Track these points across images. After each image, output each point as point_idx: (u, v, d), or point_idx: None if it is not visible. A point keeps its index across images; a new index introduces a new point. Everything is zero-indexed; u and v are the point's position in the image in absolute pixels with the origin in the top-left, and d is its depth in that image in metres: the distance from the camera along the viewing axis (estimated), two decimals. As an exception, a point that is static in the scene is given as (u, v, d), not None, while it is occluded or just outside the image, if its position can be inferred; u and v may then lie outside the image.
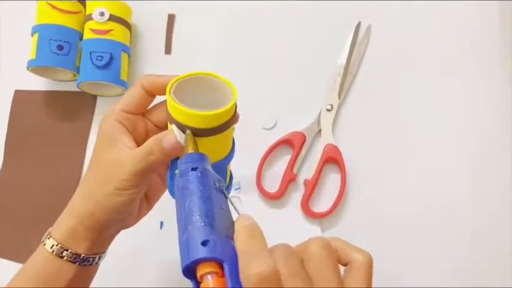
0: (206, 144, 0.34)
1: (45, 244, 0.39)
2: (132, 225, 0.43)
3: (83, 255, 0.38)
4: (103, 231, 0.39)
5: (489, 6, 0.59)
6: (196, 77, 0.36)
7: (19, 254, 0.56)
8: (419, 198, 0.54)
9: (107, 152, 0.38)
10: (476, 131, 0.56)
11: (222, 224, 0.27)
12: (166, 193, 0.55)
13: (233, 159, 0.40)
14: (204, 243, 0.25)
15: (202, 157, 0.31)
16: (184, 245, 0.25)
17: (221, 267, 0.25)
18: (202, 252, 0.24)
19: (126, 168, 0.36)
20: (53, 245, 0.38)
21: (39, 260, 0.39)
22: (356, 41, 0.59)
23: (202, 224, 0.26)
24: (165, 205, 0.55)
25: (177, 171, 0.31)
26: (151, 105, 0.41)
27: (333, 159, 0.55)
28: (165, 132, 0.36)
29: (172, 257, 0.54)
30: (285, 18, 0.61)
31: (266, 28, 0.61)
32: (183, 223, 0.26)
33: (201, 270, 0.24)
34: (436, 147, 0.55)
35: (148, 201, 0.44)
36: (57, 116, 0.60)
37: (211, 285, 0.24)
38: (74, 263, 0.38)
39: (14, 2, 0.64)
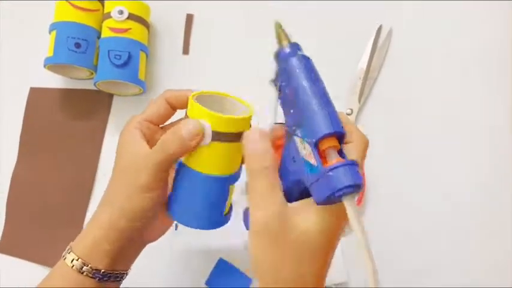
0: (219, 151, 0.36)
1: (65, 258, 0.38)
2: (154, 239, 0.42)
3: (103, 270, 0.37)
4: (125, 244, 0.38)
5: (509, 7, 0.59)
6: (217, 95, 0.39)
7: (33, 253, 0.55)
8: (436, 202, 0.54)
9: (127, 157, 0.37)
10: (497, 137, 0.55)
11: None
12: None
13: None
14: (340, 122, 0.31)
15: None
16: (327, 117, 0.30)
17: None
18: (341, 127, 0.31)
19: (146, 165, 0.36)
20: (73, 259, 0.37)
21: (58, 274, 0.38)
22: (377, 44, 0.58)
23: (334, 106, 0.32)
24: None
25: (300, 53, 0.35)
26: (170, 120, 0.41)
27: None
28: (182, 121, 0.36)
29: (187, 258, 0.54)
30: (306, 20, 0.60)
31: (286, 30, 0.60)
32: (321, 98, 0.32)
33: (329, 143, 0.30)
34: (456, 152, 0.55)
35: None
36: (72, 115, 0.60)
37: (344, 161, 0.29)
38: (94, 278, 0.37)
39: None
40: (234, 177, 0.39)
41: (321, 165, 0.29)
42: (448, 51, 0.58)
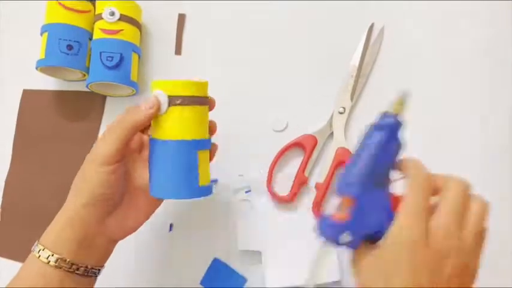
0: (177, 115, 0.39)
1: (33, 250, 0.39)
2: (122, 234, 0.43)
3: (69, 260, 0.38)
4: (89, 233, 0.39)
5: (503, 7, 0.59)
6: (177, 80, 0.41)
7: (27, 255, 0.55)
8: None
9: (100, 141, 0.40)
10: (487, 134, 0.55)
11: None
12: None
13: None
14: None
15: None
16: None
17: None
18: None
19: (103, 137, 0.39)
20: (39, 250, 0.38)
21: (27, 268, 0.39)
22: (369, 42, 0.58)
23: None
24: (174, 208, 0.55)
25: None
26: None
27: (344, 162, 0.54)
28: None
29: (181, 258, 0.54)
30: (297, 19, 0.60)
31: (278, 29, 0.60)
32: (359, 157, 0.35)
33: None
34: (450, 151, 0.55)
35: (135, 207, 0.43)
36: (65, 116, 0.60)
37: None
38: (60, 268, 0.38)
39: (24, 1, 0.64)
40: (201, 143, 0.41)
41: None
42: (440, 49, 0.58)
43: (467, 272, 0.32)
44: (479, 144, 0.55)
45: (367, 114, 0.56)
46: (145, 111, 0.39)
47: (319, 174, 0.55)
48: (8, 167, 0.59)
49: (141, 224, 0.44)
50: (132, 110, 0.40)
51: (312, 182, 0.55)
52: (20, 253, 0.55)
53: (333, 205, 0.54)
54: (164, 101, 0.39)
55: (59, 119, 0.59)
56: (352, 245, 0.35)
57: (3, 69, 0.62)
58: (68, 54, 0.55)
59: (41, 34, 0.56)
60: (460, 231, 0.32)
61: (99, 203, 0.39)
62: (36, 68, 0.56)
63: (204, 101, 0.42)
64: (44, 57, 0.55)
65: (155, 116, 0.40)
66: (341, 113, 0.56)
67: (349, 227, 0.34)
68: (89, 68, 0.56)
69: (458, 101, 0.56)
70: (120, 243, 0.53)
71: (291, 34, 0.60)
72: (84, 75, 0.57)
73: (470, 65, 0.57)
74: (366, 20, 0.59)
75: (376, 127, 0.37)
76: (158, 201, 0.45)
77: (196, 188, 0.41)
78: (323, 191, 0.53)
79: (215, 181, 0.55)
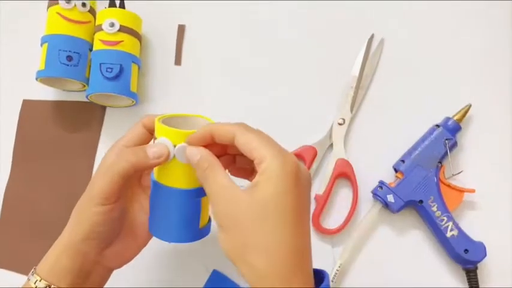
0: (184, 165, 0.37)
1: (29, 280, 0.39)
2: (119, 265, 0.42)
3: None
4: (86, 264, 0.39)
5: (502, 18, 0.59)
6: (180, 116, 0.41)
7: (25, 266, 0.55)
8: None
9: (98, 178, 0.38)
10: (489, 144, 0.55)
11: None
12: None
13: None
14: None
15: None
16: None
17: None
18: None
19: (104, 173, 0.37)
20: (36, 281, 0.38)
21: None
22: (369, 54, 0.58)
23: None
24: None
25: None
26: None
27: (344, 174, 0.54)
28: (150, 143, 0.40)
29: (180, 270, 0.54)
30: (297, 30, 0.60)
31: (277, 40, 0.60)
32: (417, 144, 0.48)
33: None
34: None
35: (134, 237, 0.42)
36: (65, 127, 0.60)
37: None
38: None
39: (24, 11, 0.64)
40: (202, 190, 0.39)
41: None
42: (440, 60, 0.58)
43: None
44: (480, 154, 0.55)
45: (367, 126, 0.57)
46: (152, 160, 0.37)
47: (318, 186, 0.55)
48: (8, 177, 0.59)
49: (138, 253, 0.43)
50: (137, 153, 0.38)
51: (312, 194, 0.54)
52: (19, 264, 0.56)
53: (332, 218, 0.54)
54: (171, 150, 0.37)
55: (59, 130, 0.59)
56: (395, 206, 0.51)
57: (4, 80, 0.62)
58: (67, 65, 0.55)
59: (41, 45, 0.56)
60: None
61: (96, 239, 0.39)
62: (36, 79, 0.56)
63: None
64: (44, 68, 0.55)
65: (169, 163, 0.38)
66: (341, 124, 0.56)
67: (395, 191, 0.51)
68: (89, 79, 0.56)
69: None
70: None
71: (290, 45, 0.60)
72: (84, 86, 0.57)
73: (470, 76, 0.58)
74: (366, 31, 0.59)
75: (436, 126, 0.53)
76: None
77: (198, 231, 0.41)
78: (322, 203, 0.53)
79: None
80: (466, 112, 0.54)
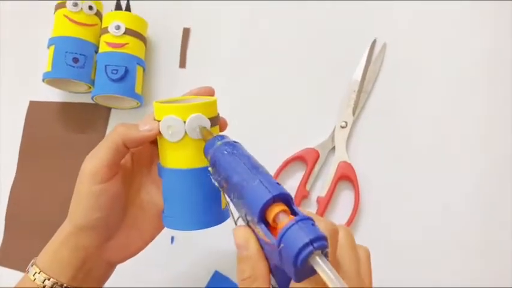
0: (192, 141, 0.35)
1: (28, 272, 0.37)
2: (121, 258, 0.40)
3: (65, 285, 0.36)
4: (86, 256, 0.37)
5: (505, 23, 0.59)
6: (180, 99, 0.39)
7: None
8: (434, 216, 0.54)
9: (90, 157, 0.37)
10: (492, 149, 0.55)
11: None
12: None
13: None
14: (279, 184, 0.27)
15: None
16: (260, 186, 0.27)
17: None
18: (281, 189, 0.26)
19: (97, 150, 0.36)
20: (35, 273, 0.36)
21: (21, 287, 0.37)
22: (371, 58, 0.58)
23: (269, 173, 0.29)
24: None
25: (219, 143, 0.32)
26: None
27: (346, 176, 0.54)
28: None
29: (182, 271, 0.54)
30: (301, 33, 0.61)
31: (281, 43, 0.61)
32: (249, 171, 0.28)
33: (275, 210, 0.26)
34: (451, 166, 0.55)
35: (139, 230, 0.40)
36: (71, 128, 0.60)
37: (289, 222, 0.24)
38: None
39: (31, 13, 0.65)
40: None
41: (273, 239, 0.25)
42: (442, 65, 0.58)
43: None
44: (480, 162, 0.55)
45: (369, 129, 0.57)
46: (142, 132, 0.36)
47: (320, 188, 0.55)
48: (14, 177, 0.59)
49: (143, 248, 0.41)
50: (126, 126, 0.36)
51: (314, 196, 0.55)
52: (24, 264, 0.56)
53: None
54: (180, 128, 0.35)
55: (65, 131, 0.60)
56: None
57: (11, 81, 0.63)
58: (74, 67, 0.56)
59: (48, 47, 0.57)
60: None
61: (96, 228, 0.37)
62: (43, 80, 0.57)
63: (217, 121, 0.38)
64: (50, 69, 0.56)
65: (169, 143, 0.36)
66: (343, 127, 0.56)
67: None
68: (95, 81, 0.57)
69: (460, 117, 0.56)
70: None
71: (294, 48, 0.60)
72: (90, 87, 0.58)
73: (472, 81, 0.58)
74: (368, 35, 0.59)
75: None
76: (162, 224, 0.40)
77: (221, 212, 0.38)
78: (324, 205, 0.53)
79: None
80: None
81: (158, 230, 0.41)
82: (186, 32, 0.62)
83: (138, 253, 0.41)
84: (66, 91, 0.61)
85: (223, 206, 0.38)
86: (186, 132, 0.35)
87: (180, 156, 0.36)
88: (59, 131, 0.60)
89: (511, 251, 0.52)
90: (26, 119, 0.61)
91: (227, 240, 0.54)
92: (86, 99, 0.60)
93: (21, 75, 0.63)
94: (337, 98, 0.58)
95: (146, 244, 0.41)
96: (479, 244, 0.53)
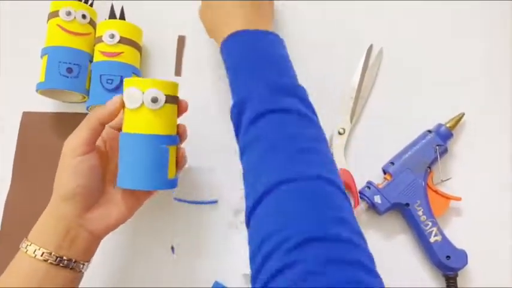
0: (148, 112, 0.43)
1: (21, 247, 0.42)
2: (102, 229, 0.44)
3: (53, 253, 0.41)
4: (70, 226, 0.41)
5: (500, 26, 0.59)
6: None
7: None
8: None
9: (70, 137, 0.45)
10: (491, 155, 0.56)
11: None
12: (175, 218, 0.54)
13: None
14: None
15: None
16: None
17: None
18: None
19: (79, 129, 0.43)
20: (26, 245, 0.41)
21: (17, 262, 0.42)
22: (368, 64, 0.58)
23: None
24: (176, 230, 0.55)
25: None
26: None
27: (345, 184, 0.54)
28: None
29: (182, 281, 0.54)
30: (297, 40, 0.60)
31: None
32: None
33: None
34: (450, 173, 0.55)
35: (116, 204, 0.45)
36: (65, 138, 0.59)
37: None
38: (46, 261, 0.40)
39: (25, 23, 0.64)
40: (171, 138, 0.44)
41: None
42: (438, 71, 0.59)
43: None
44: (470, 162, 0.56)
45: (367, 135, 0.57)
46: (109, 107, 0.43)
47: (319, 195, 0.55)
48: (8, 188, 0.58)
49: (123, 221, 0.45)
50: (98, 107, 0.44)
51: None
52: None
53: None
54: (138, 97, 0.42)
55: (59, 141, 0.58)
56: (382, 207, 0.51)
57: (4, 92, 0.62)
58: (67, 77, 0.55)
59: (41, 57, 0.56)
60: None
61: (77, 196, 0.42)
62: (36, 91, 0.56)
63: (174, 100, 0.45)
64: (43, 80, 0.55)
65: (129, 111, 0.43)
66: (341, 133, 0.56)
67: (382, 193, 0.51)
68: (89, 91, 0.56)
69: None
70: (123, 264, 0.53)
71: (290, 56, 0.60)
72: (84, 97, 0.57)
73: (468, 86, 0.58)
74: (365, 41, 0.59)
75: (428, 131, 0.54)
76: (137, 201, 0.46)
77: (166, 180, 0.44)
78: (324, 213, 0.53)
79: (215, 202, 0.55)
80: (458, 120, 0.54)
81: (133, 206, 0.46)
82: (182, 40, 0.61)
83: (117, 226, 0.45)
84: (60, 101, 0.60)
85: (171, 175, 0.44)
86: (143, 101, 0.42)
87: (136, 122, 0.43)
88: (53, 142, 0.59)
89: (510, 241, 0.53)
90: (19, 130, 0.60)
91: (227, 251, 0.54)
92: (81, 109, 0.59)
93: (14, 85, 0.62)
94: (335, 104, 0.57)
95: (125, 218, 0.46)
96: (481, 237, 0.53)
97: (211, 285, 0.53)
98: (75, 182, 0.42)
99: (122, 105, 0.44)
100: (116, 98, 0.44)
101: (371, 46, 0.59)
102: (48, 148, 0.59)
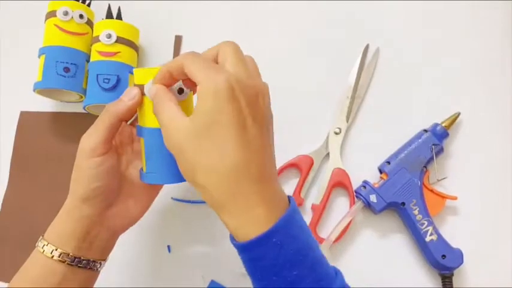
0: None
1: (37, 246, 0.41)
2: (121, 227, 0.44)
3: (71, 254, 0.40)
4: (89, 226, 0.40)
5: (498, 26, 0.60)
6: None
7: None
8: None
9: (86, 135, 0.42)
10: (487, 155, 0.56)
11: None
12: (172, 217, 0.54)
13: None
14: None
15: None
16: None
17: None
18: None
19: (95, 129, 0.40)
20: (43, 245, 0.40)
21: (32, 262, 0.41)
22: (364, 63, 0.58)
23: None
24: (172, 229, 0.55)
25: None
26: None
27: (341, 183, 0.54)
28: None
29: (179, 280, 0.54)
30: (293, 40, 0.61)
31: (274, 50, 0.60)
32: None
33: None
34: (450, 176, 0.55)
35: (134, 198, 0.44)
36: (63, 138, 0.60)
37: None
38: (64, 262, 0.39)
39: (22, 23, 0.64)
40: None
41: None
42: (435, 70, 0.59)
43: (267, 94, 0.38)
44: (466, 162, 0.56)
45: (363, 135, 0.57)
46: (127, 103, 0.40)
47: (315, 195, 0.55)
48: (5, 188, 0.59)
49: (142, 215, 0.45)
50: (113, 103, 0.41)
51: (308, 204, 0.55)
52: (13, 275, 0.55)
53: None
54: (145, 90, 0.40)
55: (56, 141, 0.60)
56: (377, 206, 0.51)
57: (1, 91, 0.62)
58: (65, 76, 0.55)
59: (39, 56, 0.56)
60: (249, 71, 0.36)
61: (96, 196, 0.40)
62: (34, 90, 0.56)
63: (195, 89, 0.41)
64: (41, 79, 0.55)
65: (147, 105, 0.40)
66: (337, 133, 0.56)
67: (378, 192, 0.51)
68: (86, 90, 0.56)
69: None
70: (120, 265, 0.53)
71: (287, 55, 0.60)
72: (81, 97, 0.57)
73: (465, 85, 0.58)
74: (361, 41, 0.59)
75: (424, 130, 0.54)
76: (154, 191, 0.46)
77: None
78: (319, 213, 0.53)
79: None
80: (454, 120, 0.55)
81: (150, 199, 0.46)
82: (178, 40, 0.62)
83: (136, 221, 0.45)
84: (58, 101, 0.60)
85: None
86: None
87: (147, 116, 0.40)
88: (50, 142, 0.60)
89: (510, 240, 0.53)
90: (17, 130, 0.60)
91: (224, 250, 0.54)
92: (78, 108, 0.59)
93: (11, 85, 0.62)
94: (331, 104, 0.58)
95: (144, 211, 0.45)
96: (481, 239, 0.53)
97: (207, 285, 0.53)
98: (96, 182, 0.40)
99: (141, 99, 0.40)
100: (133, 92, 0.40)
101: (367, 46, 0.59)
102: (46, 147, 0.59)
